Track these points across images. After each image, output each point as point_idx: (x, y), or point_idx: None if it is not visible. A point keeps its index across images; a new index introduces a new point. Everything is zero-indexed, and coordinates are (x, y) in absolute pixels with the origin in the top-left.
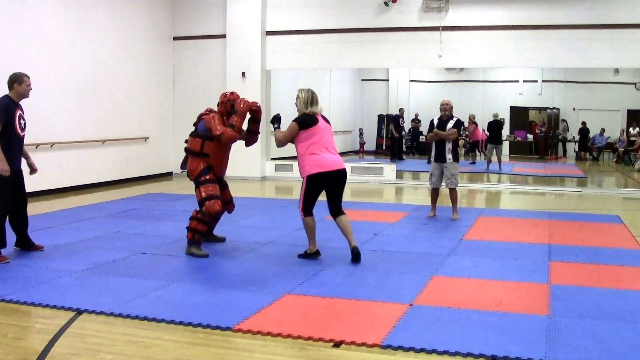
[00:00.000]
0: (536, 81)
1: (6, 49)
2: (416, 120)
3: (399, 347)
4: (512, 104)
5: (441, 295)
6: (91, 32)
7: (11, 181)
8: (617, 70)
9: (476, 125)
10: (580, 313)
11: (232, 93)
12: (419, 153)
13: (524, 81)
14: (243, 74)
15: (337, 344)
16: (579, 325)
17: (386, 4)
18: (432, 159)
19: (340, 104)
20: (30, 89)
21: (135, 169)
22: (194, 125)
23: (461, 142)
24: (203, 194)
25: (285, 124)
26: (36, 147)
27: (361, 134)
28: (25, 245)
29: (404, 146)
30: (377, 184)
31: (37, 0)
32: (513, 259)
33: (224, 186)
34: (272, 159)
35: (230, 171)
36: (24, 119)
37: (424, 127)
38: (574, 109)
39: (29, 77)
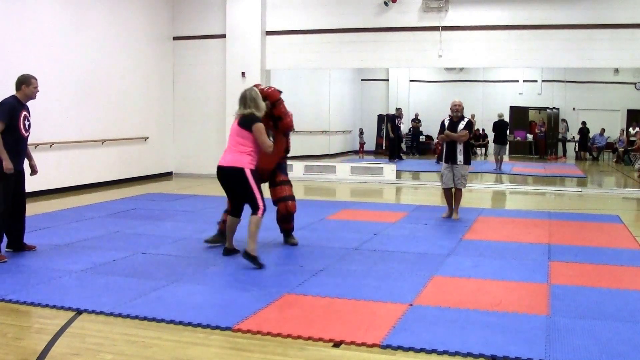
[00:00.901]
0: (536, 81)
1: (6, 49)
2: (416, 120)
3: (399, 347)
4: (512, 103)
5: (441, 295)
6: (91, 32)
7: (14, 180)
8: (617, 70)
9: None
10: (580, 313)
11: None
12: (419, 153)
13: (524, 81)
14: (243, 74)
15: (336, 344)
16: (579, 325)
17: (386, 3)
18: (443, 160)
19: (340, 103)
20: (37, 91)
21: (135, 169)
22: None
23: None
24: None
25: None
26: (35, 147)
27: (361, 133)
28: (18, 246)
29: (403, 146)
30: (377, 184)
31: (37, 0)
32: (513, 259)
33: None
34: None
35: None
36: (29, 120)
37: (424, 127)
38: (573, 108)
39: (36, 79)
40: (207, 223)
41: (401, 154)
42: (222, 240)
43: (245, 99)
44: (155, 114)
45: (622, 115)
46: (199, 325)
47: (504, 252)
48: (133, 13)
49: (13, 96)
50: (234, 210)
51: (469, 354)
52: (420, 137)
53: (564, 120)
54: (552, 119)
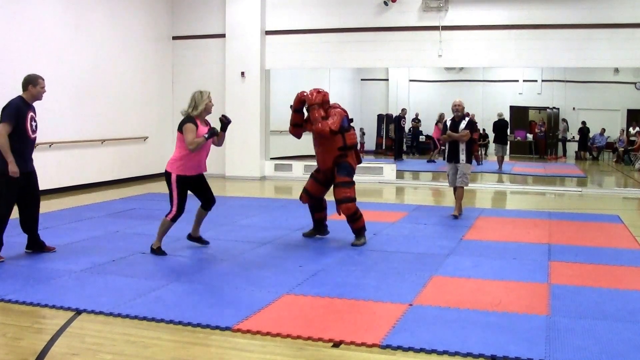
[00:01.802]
0: (536, 81)
1: (6, 49)
2: (416, 120)
3: (399, 347)
4: (512, 103)
5: (441, 295)
6: (90, 31)
7: (21, 183)
8: (616, 70)
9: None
10: (580, 313)
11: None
12: (419, 153)
13: (524, 81)
14: (242, 73)
15: (336, 344)
16: (579, 325)
17: (386, 3)
18: (446, 159)
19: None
20: (44, 92)
21: (134, 169)
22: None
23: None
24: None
25: (284, 125)
26: (35, 146)
27: (363, 134)
28: (37, 247)
29: (404, 146)
30: (377, 184)
31: (37, 0)
32: (513, 259)
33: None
34: (271, 158)
35: (230, 171)
36: (35, 121)
37: (423, 127)
38: (573, 108)
39: (43, 80)
40: (205, 222)
41: (402, 154)
42: (318, 233)
43: (190, 100)
44: (154, 114)
45: (622, 115)
46: (198, 325)
47: (504, 252)
48: (133, 13)
49: (19, 97)
50: (202, 204)
51: (468, 354)
52: (420, 137)
53: (564, 120)
54: (552, 118)
